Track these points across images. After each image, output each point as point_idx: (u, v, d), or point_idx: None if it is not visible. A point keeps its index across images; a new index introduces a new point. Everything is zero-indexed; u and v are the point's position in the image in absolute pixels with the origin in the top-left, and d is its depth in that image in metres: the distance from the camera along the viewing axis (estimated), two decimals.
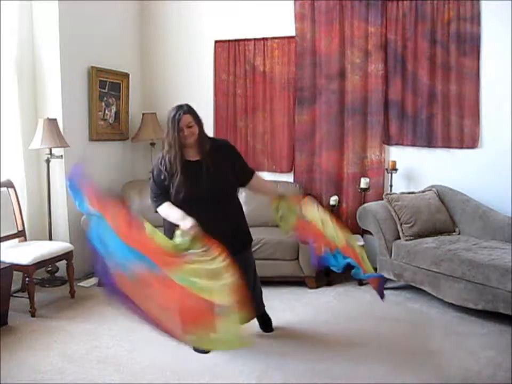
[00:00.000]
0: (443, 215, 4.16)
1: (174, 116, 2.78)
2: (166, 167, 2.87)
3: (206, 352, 2.98)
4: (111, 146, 4.98)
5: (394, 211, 4.08)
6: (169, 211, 2.85)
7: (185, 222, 2.68)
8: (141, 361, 2.93)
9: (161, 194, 2.90)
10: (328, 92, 4.75)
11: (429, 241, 3.88)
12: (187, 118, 2.80)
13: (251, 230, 3.17)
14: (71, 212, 4.41)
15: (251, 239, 3.18)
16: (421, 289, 3.83)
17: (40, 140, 4.00)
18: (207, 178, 2.84)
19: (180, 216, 2.75)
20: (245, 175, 3.05)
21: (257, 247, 4.01)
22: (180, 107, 2.84)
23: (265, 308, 3.35)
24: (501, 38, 4.24)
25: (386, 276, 4.04)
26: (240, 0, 4.93)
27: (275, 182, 4.79)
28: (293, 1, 4.80)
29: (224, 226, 2.81)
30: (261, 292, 3.33)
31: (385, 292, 4.02)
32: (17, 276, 3.79)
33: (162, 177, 2.89)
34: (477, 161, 4.43)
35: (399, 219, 4.05)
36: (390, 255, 4.01)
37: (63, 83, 4.28)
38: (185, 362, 2.91)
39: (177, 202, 2.85)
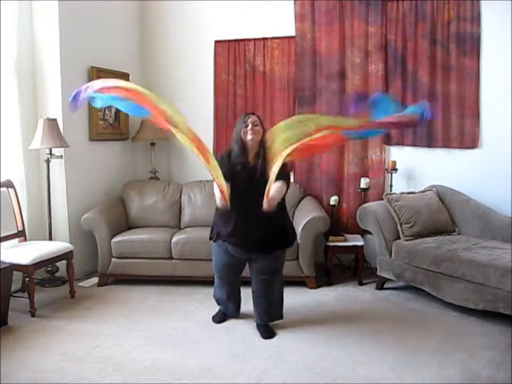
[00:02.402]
0: (443, 215, 4.16)
1: (244, 114, 3.19)
2: (229, 158, 3.13)
3: (222, 321, 3.44)
4: (111, 146, 4.98)
5: (394, 211, 4.08)
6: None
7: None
8: (141, 361, 2.93)
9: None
10: (328, 92, 4.75)
11: (429, 241, 3.88)
12: (254, 118, 3.11)
13: None
14: (71, 212, 4.42)
15: (289, 241, 3.29)
16: (421, 289, 3.83)
17: (40, 140, 4.00)
18: (257, 181, 2.97)
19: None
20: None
21: None
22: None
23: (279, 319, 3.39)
24: (501, 38, 4.24)
25: (386, 276, 4.05)
26: (240, 0, 4.94)
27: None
28: (293, 1, 4.80)
29: (256, 229, 3.06)
30: (281, 301, 3.40)
31: (385, 292, 4.08)
32: (17, 276, 3.80)
33: (225, 162, 3.09)
34: (477, 161, 4.43)
35: (399, 219, 4.05)
36: (390, 255, 4.01)
37: (63, 83, 4.28)
38: (185, 362, 2.91)
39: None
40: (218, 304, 3.57)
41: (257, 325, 3.34)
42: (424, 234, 4.01)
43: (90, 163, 4.67)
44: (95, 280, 4.39)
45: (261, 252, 3.18)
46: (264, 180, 2.89)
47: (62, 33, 4.24)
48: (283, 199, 3.14)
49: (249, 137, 3.07)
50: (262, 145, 3.07)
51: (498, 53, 4.28)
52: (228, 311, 3.54)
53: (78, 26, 4.42)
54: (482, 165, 4.40)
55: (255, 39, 4.91)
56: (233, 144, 3.15)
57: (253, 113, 3.20)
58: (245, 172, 3.07)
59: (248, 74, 4.98)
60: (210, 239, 3.34)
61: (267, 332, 3.27)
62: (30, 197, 4.28)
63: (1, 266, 3.40)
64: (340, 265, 4.71)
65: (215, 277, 3.50)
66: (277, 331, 3.31)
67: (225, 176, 2.84)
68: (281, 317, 3.40)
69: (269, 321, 3.34)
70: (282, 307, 3.41)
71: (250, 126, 3.07)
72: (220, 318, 3.51)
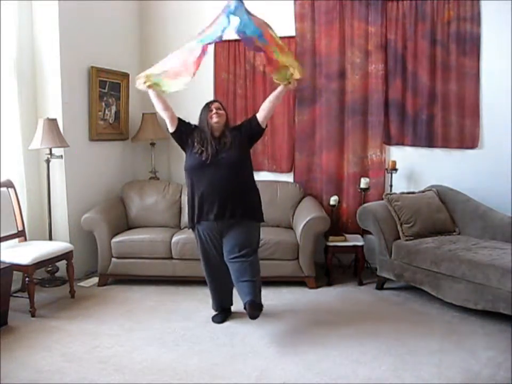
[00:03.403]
0: (443, 215, 4.16)
1: (206, 103, 3.38)
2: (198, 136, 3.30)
3: (222, 321, 3.44)
4: (111, 146, 4.98)
5: (394, 211, 4.08)
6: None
7: None
8: (141, 361, 2.93)
9: (183, 121, 3.41)
10: (328, 92, 4.75)
11: (429, 241, 3.88)
12: (217, 104, 3.35)
13: None
14: (71, 212, 4.42)
15: (257, 215, 3.35)
16: (421, 289, 3.83)
17: (40, 140, 4.00)
18: (224, 149, 3.23)
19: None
20: (253, 120, 3.38)
21: None
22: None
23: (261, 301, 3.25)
24: (501, 38, 4.25)
25: (386, 276, 4.05)
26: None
27: (275, 182, 4.80)
28: (293, 1, 4.80)
29: (230, 192, 3.19)
30: (260, 287, 3.29)
31: (385, 292, 4.08)
32: (17, 276, 3.79)
33: (189, 125, 3.40)
34: (477, 161, 4.43)
35: (399, 219, 4.05)
36: (390, 255, 4.01)
37: (63, 83, 4.28)
38: (185, 362, 2.91)
39: (191, 168, 3.27)
40: (216, 310, 3.56)
41: (247, 304, 3.13)
42: (424, 234, 4.01)
43: (90, 163, 4.67)
44: (95, 280, 4.39)
45: (231, 217, 3.21)
46: (228, 148, 3.20)
47: (62, 33, 4.24)
48: (251, 173, 3.39)
49: (214, 120, 3.25)
50: (227, 127, 3.32)
51: (498, 53, 4.28)
52: (224, 303, 3.54)
53: (78, 26, 4.42)
54: (482, 165, 4.40)
55: None
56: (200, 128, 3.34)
57: (216, 100, 3.45)
58: (212, 143, 3.23)
59: (248, 74, 4.98)
60: (190, 228, 3.42)
61: (256, 309, 3.10)
62: (30, 197, 4.28)
63: (1, 266, 3.40)
64: (340, 265, 4.71)
65: (205, 275, 3.49)
66: (277, 331, 3.31)
67: (188, 141, 3.29)
68: (261, 306, 3.19)
69: (258, 298, 3.19)
70: (261, 294, 3.27)
71: (214, 110, 3.27)
72: (220, 318, 3.50)
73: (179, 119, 3.37)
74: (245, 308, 3.15)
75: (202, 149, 3.22)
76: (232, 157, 3.22)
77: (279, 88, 3.31)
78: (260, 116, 3.35)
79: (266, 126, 3.41)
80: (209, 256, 3.39)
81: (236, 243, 3.25)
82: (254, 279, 3.21)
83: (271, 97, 3.35)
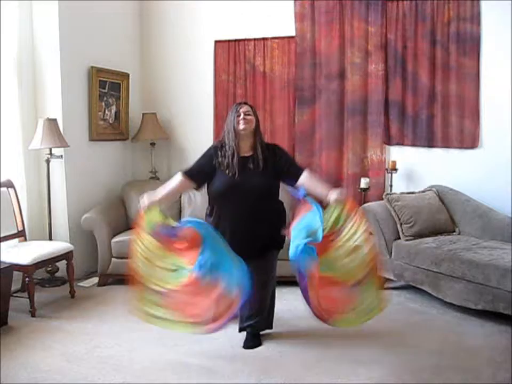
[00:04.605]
0: (443, 215, 4.16)
1: (236, 104, 3.02)
2: (221, 149, 2.94)
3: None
4: (111, 146, 4.98)
5: (394, 211, 4.08)
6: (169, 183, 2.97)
7: None
8: (141, 361, 2.93)
9: (194, 169, 2.98)
10: (328, 92, 4.75)
11: (429, 241, 3.88)
12: (246, 107, 2.96)
13: None
14: (71, 212, 4.41)
15: (277, 245, 3.04)
16: (421, 289, 3.83)
17: (40, 140, 4.00)
18: (253, 174, 2.87)
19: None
20: (293, 172, 2.94)
21: None
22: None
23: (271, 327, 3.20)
24: (501, 38, 4.24)
25: (386, 276, 4.04)
26: (240, 0, 4.94)
27: None
28: (293, 1, 4.80)
29: (253, 227, 2.86)
30: (273, 308, 3.20)
31: (385, 292, 4.05)
32: (17, 276, 3.79)
33: (210, 158, 2.96)
34: (476, 161, 4.43)
35: (399, 219, 4.05)
36: (390, 255, 4.01)
37: (63, 83, 4.28)
38: (185, 362, 2.91)
39: (216, 192, 2.91)
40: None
41: (247, 334, 3.10)
42: (424, 234, 4.01)
43: (90, 163, 4.67)
44: (95, 280, 4.39)
45: (259, 253, 2.93)
46: (260, 172, 2.84)
47: (62, 33, 4.24)
48: (276, 193, 3.03)
49: (241, 126, 2.89)
50: (258, 136, 2.97)
51: (498, 53, 4.27)
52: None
53: (78, 26, 4.42)
54: (482, 165, 4.39)
55: (255, 39, 4.91)
56: (225, 135, 2.96)
57: (246, 103, 3.07)
58: (238, 163, 2.87)
59: (248, 74, 4.98)
60: None
61: (253, 340, 3.07)
62: (30, 197, 4.28)
63: (1, 266, 3.40)
64: None
65: None
66: (277, 331, 3.30)
67: (208, 172, 2.89)
68: (271, 326, 3.18)
69: (260, 328, 3.15)
70: (273, 315, 3.21)
71: (242, 115, 2.90)
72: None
73: (191, 176, 2.95)
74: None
75: (230, 163, 2.86)
76: (261, 183, 2.85)
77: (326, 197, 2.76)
78: (302, 182, 2.88)
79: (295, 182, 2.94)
80: None
81: (254, 271, 2.82)
82: (263, 302, 3.07)
83: (318, 188, 2.85)
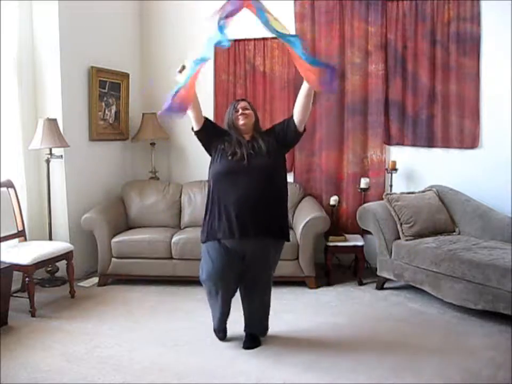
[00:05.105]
0: (443, 215, 4.16)
1: (234, 101, 3.07)
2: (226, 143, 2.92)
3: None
4: (111, 146, 4.98)
5: (394, 211, 4.08)
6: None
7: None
8: (141, 361, 2.93)
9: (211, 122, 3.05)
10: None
11: (429, 241, 3.88)
12: (244, 103, 3.00)
13: None
14: (71, 212, 4.42)
15: (286, 234, 2.97)
16: (421, 289, 3.83)
17: (40, 140, 4.00)
18: (256, 155, 2.85)
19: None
20: (289, 122, 2.96)
21: None
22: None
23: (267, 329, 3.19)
24: (501, 38, 4.24)
25: (386, 276, 4.05)
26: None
27: None
28: (293, 1, 4.80)
29: (262, 207, 2.80)
30: (268, 309, 3.14)
31: (385, 292, 4.07)
32: (17, 276, 3.79)
33: (218, 128, 3.04)
34: (476, 161, 4.43)
35: (399, 219, 4.05)
36: (390, 255, 4.01)
37: (63, 83, 4.28)
38: (185, 362, 2.91)
39: (219, 167, 2.87)
40: (219, 331, 3.20)
41: (247, 336, 3.12)
42: (424, 234, 4.01)
43: (90, 163, 4.67)
44: (95, 280, 4.39)
45: (260, 235, 2.82)
46: (264, 158, 2.82)
47: (62, 33, 4.24)
48: (286, 184, 2.99)
49: (241, 122, 2.92)
50: (258, 129, 3.00)
51: (498, 53, 4.28)
52: (225, 322, 3.19)
53: (78, 26, 4.42)
54: (482, 165, 4.40)
55: (255, 39, 4.90)
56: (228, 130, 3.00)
57: (243, 99, 3.10)
58: (242, 146, 2.87)
59: (248, 74, 4.98)
60: (203, 241, 2.96)
61: (253, 340, 3.09)
62: (30, 197, 4.28)
63: (1, 266, 3.40)
64: (340, 265, 4.70)
65: (208, 294, 3.10)
66: (277, 331, 3.29)
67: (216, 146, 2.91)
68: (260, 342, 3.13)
69: (263, 332, 3.16)
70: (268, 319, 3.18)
71: (240, 111, 2.93)
72: (223, 335, 3.22)
73: (206, 119, 2.99)
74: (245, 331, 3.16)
75: (237, 150, 2.84)
76: (265, 164, 2.84)
77: (303, 86, 2.89)
78: (297, 119, 2.92)
79: (304, 130, 2.98)
80: (224, 277, 2.93)
81: (255, 261, 2.92)
82: (265, 305, 3.11)
83: (300, 96, 2.92)
